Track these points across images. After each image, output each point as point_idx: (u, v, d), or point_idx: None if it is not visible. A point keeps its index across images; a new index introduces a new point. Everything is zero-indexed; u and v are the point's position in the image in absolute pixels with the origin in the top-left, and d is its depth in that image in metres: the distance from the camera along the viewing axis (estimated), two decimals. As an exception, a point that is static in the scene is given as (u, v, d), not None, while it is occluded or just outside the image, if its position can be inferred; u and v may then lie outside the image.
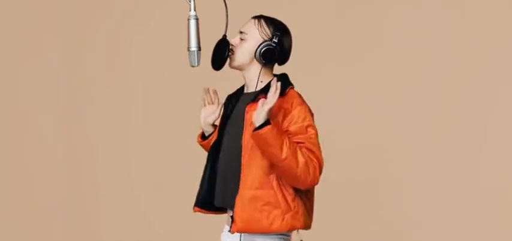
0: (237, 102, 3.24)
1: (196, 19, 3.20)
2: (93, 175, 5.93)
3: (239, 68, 3.20)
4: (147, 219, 5.77)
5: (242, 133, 3.11)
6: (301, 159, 3.01)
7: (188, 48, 3.20)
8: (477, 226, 5.02)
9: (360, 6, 5.26)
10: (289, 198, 3.09)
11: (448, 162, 5.09)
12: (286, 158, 2.99)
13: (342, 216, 5.13)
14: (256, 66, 3.17)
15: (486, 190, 5.02)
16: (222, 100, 3.33)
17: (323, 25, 5.28)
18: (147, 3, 5.77)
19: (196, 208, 3.29)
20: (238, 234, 3.11)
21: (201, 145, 3.41)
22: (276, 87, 2.99)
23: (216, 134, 3.29)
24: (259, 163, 3.07)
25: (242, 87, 3.27)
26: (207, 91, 3.36)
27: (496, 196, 5.01)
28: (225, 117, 3.27)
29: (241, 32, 3.19)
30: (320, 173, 3.07)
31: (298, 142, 3.05)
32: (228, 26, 3.20)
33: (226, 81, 3.34)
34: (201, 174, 3.28)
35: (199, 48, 3.20)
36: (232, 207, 3.12)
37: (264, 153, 3.04)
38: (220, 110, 3.31)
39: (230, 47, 3.17)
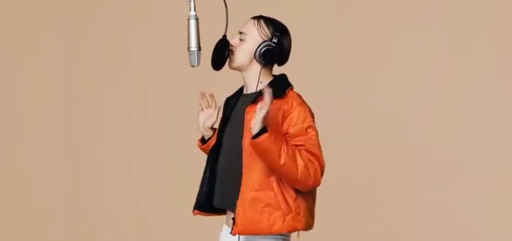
0: (236, 104, 3.23)
1: (196, 19, 3.19)
2: (93, 175, 5.92)
3: (239, 69, 3.19)
4: (147, 219, 5.77)
5: (242, 136, 3.10)
6: (300, 162, 3.00)
7: (188, 48, 3.20)
8: (477, 226, 5.02)
9: (360, 6, 5.26)
10: (290, 200, 3.08)
11: (448, 162, 5.09)
12: (284, 164, 2.98)
13: (342, 216, 5.13)
14: (256, 67, 3.16)
15: (486, 190, 5.02)
16: (220, 103, 3.32)
17: (323, 25, 5.27)
18: (147, 3, 5.76)
19: (196, 211, 3.28)
20: (238, 236, 3.10)
21: (202, 149, 3.39)
22: (268, 95, 2.96)
23: (216, 137, 3.28)
24: (259, 165, 3.06)
25: (241, 89, 3.26)
26: (204, 95, 3.34)
27: (496, 196, 5.01)
28: (225, 119, 3.25)
29: (240, 33, 3.18)
30: (322, 174, 3.06)
31: (297, 145, 3.04)
32: (228, 26, 3.19)
33: (226, 82, 3.33)
34: (201, 174, 3.28)
35: (199, 48, 3.19)
36: (232, 209, 3.10)
37: (262, 159, 3.03)
38: (218, 113, 3.30)
39: (230, 47, 3.17)
